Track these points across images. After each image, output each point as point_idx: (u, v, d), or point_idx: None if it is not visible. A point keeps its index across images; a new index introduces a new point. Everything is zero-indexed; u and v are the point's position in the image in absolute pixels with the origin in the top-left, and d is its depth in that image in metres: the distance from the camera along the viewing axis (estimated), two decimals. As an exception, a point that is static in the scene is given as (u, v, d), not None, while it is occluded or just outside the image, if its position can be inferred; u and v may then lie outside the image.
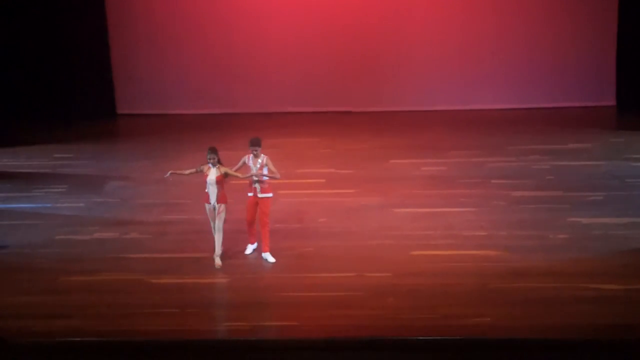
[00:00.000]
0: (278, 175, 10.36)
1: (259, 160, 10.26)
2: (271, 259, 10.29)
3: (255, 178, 10.24)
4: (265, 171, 10.25)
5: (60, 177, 13.84)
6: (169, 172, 10.51)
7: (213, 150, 10.19)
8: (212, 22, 18.12)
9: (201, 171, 10.24)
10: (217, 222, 10.16)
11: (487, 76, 18.13)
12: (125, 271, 9.98)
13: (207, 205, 10.23)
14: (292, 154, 14.81)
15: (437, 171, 13.66)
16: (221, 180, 10.13)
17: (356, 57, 18.07)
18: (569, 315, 8.66)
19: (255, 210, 10.39)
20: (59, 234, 11.25)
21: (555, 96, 18.17)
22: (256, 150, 10.27)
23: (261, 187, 10.32)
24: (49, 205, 12.48)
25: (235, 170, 10.33)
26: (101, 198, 12.75)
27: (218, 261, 10.20)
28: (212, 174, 10.14)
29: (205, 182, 10.17)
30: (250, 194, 10.40)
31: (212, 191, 10.14)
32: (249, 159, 10.35)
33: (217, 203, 10.15)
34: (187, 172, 10.40)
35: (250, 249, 10.60)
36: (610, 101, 18.08)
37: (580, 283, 9.36)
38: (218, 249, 10.21)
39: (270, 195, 10.40)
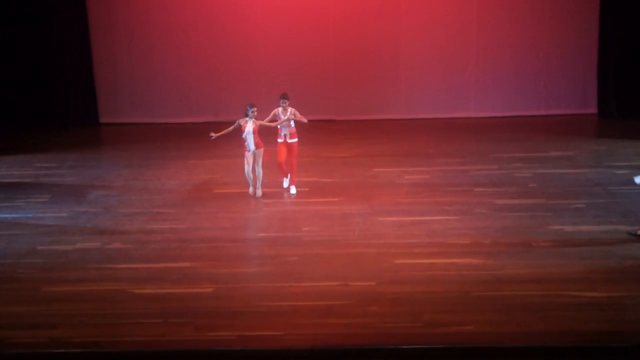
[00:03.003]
0: (305, 120, 12.85)
1: (288, 112, 12.70)
2: (294, 191, 12.93)
3: (284, 125, 12.68)
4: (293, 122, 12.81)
5: (42, 187, 13.77)
6: (213, 135, 12.67)
7: (254, 105, 12.62)
8: (196, 30, 18.12)
9: (239, 125, 12.53)
10: (256, 166, 12.57)
11: (471, 84, 18.24)
12: (108, 281, 9.92)
13: (247, 153, 12.54)
14: (275, 162, 14.82)
15: (421, 179, 13.70)
16: (257, 130, 12.46)
17: (340, 66, 18.13)
18: (552, 322, 8.70)
19: (285, 152, 12.82)
20: (41, 244, 11.19)
21: (538, 104, 18.31)
22: (285, 103, 12.72)
23: (290, 134, 12.81)
24: (31, 215, 12.41)
25: (268, 122, 12.81)
26: (84, 207, 12.69)
27: (252, 191, 12.79)
28: (249, 125, 12.44)
29: (243, 132, 12.41)
30: (280, 140, 12.86)
31: (250, 139, 12.43)
32: (278, 111, 12.79)
33: (256, 149, 12.47)
34: (227, 130, 12.69)
35: (286, 182, 13.13)
36: (592, 109, 18.22)
37: (564, 290, 9.40)
38: (255, 186, 12.77)
39: (296, 140, 12.91)
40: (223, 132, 12.70)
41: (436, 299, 9.26)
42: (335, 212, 12.18)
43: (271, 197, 12.93)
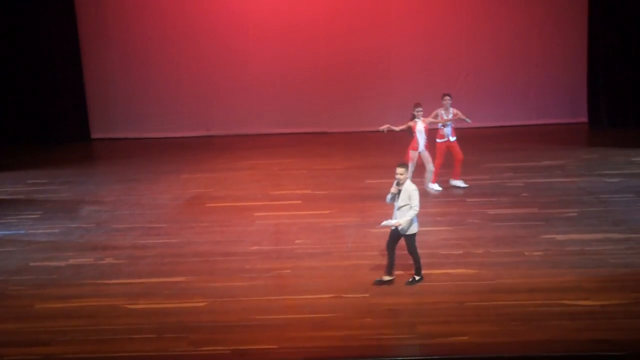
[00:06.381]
0: (469, 120, 13.49)
1: (450, 112, 13.27)
2: (462, 185, 13.62)
3: (447, 125, 13.25)
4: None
5: (34, 203, 13.74)
6: (386, 126, 12.88)
7: (419, 104, 12.95)
8: (187, 45, 18.14)
9: (409, 126, 12.89)
10: (427, 163, 13.04)
11: (462, 95, 18.27)
12: (101, 297, 9.89)
13: (413, 152, 12.88)
14: (268, 175, 14.82)
15: (413, 190, 13.68)
16: (426, 130, 12.92)
17: (331, 78, 18.16)
18: (546, 331, 8.70)
19: (446, 153, 13.40)
20: (33, 260, 11.15)
21: (529, 114, 18.37)
22: (448, 101, 13.24)
23: (452, 132, 13.37)
24: (23, 231, 12.37)
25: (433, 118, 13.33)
26: (76, 223, 12.66)
27: (429, 184, 13.30)
28: (420, 124, 12.86)
29: (415, 132, 12.83)
30: (440, 140, 13.42)
31: (422, 138, 12.87)
32: (440, 111, 13.29)
33: (425, 149, 12.90)
34: (399, 128, 12.99)
35: (438, 187, 13.47)
36: (583, 118, 18.29)
37: (557, 299, 9.41)
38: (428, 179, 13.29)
39: (456, 137, 13.44)
40: (393, 127, 12.93)
41: (430, 310, 9.27)
42: (328, 224, 12.18)
43: (264, 209, 12.92)
